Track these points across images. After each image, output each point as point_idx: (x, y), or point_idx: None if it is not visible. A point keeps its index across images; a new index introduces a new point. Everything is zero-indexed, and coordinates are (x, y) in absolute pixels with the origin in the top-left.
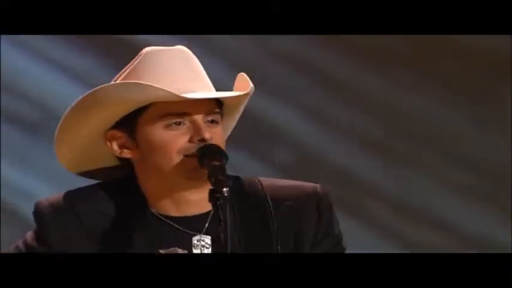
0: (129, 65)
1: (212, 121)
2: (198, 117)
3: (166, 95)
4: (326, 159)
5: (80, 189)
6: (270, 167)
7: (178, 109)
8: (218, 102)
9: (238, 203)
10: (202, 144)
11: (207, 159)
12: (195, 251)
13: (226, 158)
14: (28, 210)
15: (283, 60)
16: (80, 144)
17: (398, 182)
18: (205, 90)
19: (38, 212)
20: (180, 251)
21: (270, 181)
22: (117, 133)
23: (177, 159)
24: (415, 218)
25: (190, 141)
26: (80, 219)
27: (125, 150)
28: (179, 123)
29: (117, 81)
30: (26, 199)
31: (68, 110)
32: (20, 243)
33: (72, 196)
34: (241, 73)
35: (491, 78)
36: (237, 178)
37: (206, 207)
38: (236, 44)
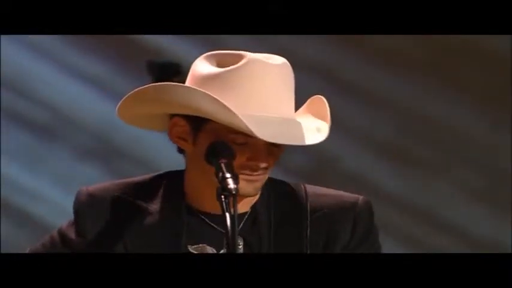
0: (229, 61)
1: (275, 145)
2: (263, 142)
3: (243, 128)
4: (341, 164)
5: (122, 181)
6: (285, 172)
7: (249, 131)
8: None
9: (276, 206)
10: (212, 142)
11: (214, 157)
12: (225, 250)
13: (234, 155)
14: (39, 212)
15: (298, 63)
16: (142, 115)
17: (412, 185)
18: (288, 123)
19: (76, 200)
20: (208, 248)
21: (315, 189)
22: (181, 122)
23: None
24: (429, 221)
25: (247, 160)
26: (115, 211)
27: (181, 141)
28: (244, 144)
29: (207, 91)
30: (37, 201)
31: (143, 88)
32: (55, 231)
33: (112, 187)
34: (319, 97)
35: (506, 81)
36: (282, 182)
37: (243, 208)
38: (247, 44)
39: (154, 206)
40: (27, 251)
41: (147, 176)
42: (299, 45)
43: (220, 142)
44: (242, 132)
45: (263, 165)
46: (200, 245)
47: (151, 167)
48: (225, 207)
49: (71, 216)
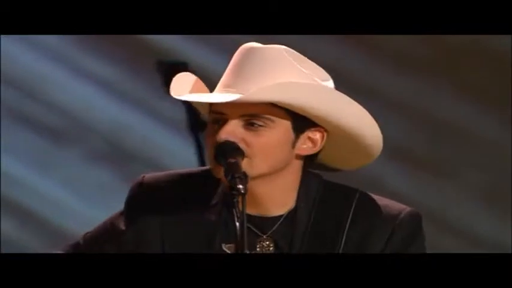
0: None
1: (252, 124)
2: (233, 118)
3: (191, 101)
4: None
5: (174, 172)
6: None
7: (216, 108)
8: (270, 104)
9: (318, 211)
10: (218, 142)
11: (222, 156)
12: (257, 251)
13: (243, 155)
14: (53, 216)
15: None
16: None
17: (420, 187)
18: (242, 90)
19: (130, 189)
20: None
21: (367, 196)
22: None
23: (210, 153)
24: (436, 222)
25: (216, 139)
26: (161, 202)
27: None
28: (217, 121)
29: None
30: (48, 204)
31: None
32: (110, 216)
33: (163, 178)
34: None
35: None
36: (336, 186)
37: (278, 211)
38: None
39: (198, 201)
40: (82, 235)
41: (199, 169)
42: (308, 45)
43: (228, 142)
44: (213, 111)
45: (218, 138)
46: (233, 244)
47: (162, 169)
48: (234, 206)
49: (82, 218)
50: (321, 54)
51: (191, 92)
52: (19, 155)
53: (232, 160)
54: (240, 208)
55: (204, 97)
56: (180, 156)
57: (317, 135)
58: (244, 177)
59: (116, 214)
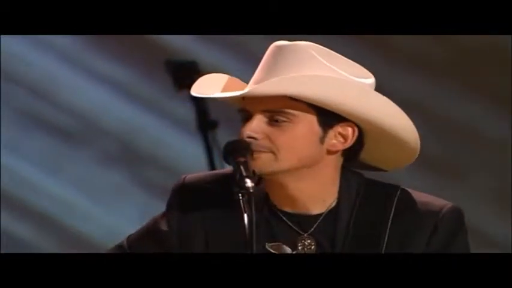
0: None
1: (276, 120)
2: (256, 114)
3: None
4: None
5: (216, 172)
6: None
7: (241, 105)
8: (291, 99)
9: (360, 208)
10: (243, 138)
11: (231, 155)
12: (298, 249)
13: (252, 154)
14: (65, 218)
15: None
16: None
17: (433, 187)
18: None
19: (172, 189)
20: (284, 247)
21: (408, 193)
22: None
23: None
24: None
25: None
26: (203, 202)
27: None
28: (244, 119)
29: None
30: (61, 206)
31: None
32: (152, 219)
33: (206, 178)
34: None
35: None
36: (376, 183)
37: (318, 209)
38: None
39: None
40: (125, 238)
41: None
42: (323, 45)
43: (236, 141)
44: (240, 109)
45: (244, 134)
46: (277, 243)
47: (174, 171)
48: (242, 205)
49: (95, 219)
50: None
51: (223, 90)
52: (32, 156)
53: (241, 159)
54: (248, 208)
55: (219, 94)
56: (193, 158)
57: (348, 131)
58: (253, 176)
59: (159, 215)
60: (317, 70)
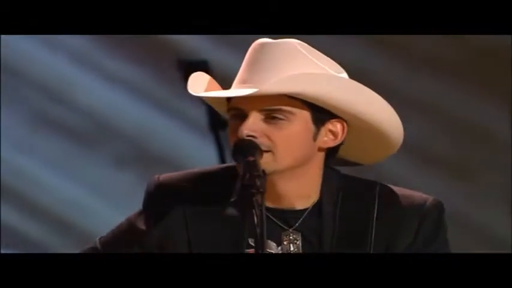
0: None
1: (273, 117)
2: (253, 113)
3: (207, 98)
4: (379, 169)
5: (191, 171)
6: None
7: (235, 104)
8: (288, 96)
9: (343, 203)
10: (240, 137)
11: (240, 154)
12: (284, 244)
13: (261, 153)
14: (78, 220)
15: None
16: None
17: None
18: (258, 83)
19: (146, 190)
20: (270, 242)
21: (388, 188)
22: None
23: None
24: (461, 224)
25: (237, 135)
26: (182, 201)
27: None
28: (237, 117)
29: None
30: (77, 209)
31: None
32: (125, 219)
33: (181, 177)
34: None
35: None
36: (355, 179)
37: (302, 204)
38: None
39: (221, 197)
40: (97, 240)
41: (216, 167)
42: (331, 46)
43: (246, 140)
44: (231, 107)
45: (241, 133)
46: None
47: None
48: (253, 204)
49: (108, 221)
50: (345, 54)
51: (206, 90)
52: (45, 158)
53: (251, 158)
54: (259, 207)
55: (222, 93)
56: (205, 158)
57: (338, 127)
58: (263, 176)
59: (133, 216)
60: (308, 67)
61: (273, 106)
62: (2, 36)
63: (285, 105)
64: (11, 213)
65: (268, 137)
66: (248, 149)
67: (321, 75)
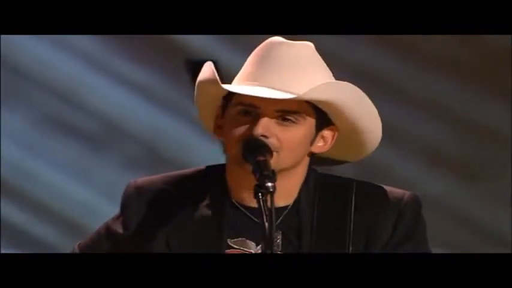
0: None
1: (285, 119)
2: (266, 112)
3: (219, 89)
4: (392, 173)
5: (168, 174)
6: None
7: (247, 100)
8: (305, 101)
9: (320, 199)
10: (246, 138)
11: (251, 154)
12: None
13: (271, 153)
14: (88, 222)
15: (344, 67)
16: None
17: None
18: (275, 83)
19: (124, 193)
20: (248, 242)
21: (364, 184)
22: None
23: (236, 147)
24: (471, 225)
25: (250, 133)
26: (160, 203)
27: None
28: (246, 113)
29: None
30: (87, 211)
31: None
32: (103, 225)
33: (159, 180)
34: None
35: None
36: (330, 176)
37: (285, 201)
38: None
39: (198, 199)
40: (76, 246)
41: (192, 170)
42: (341, 45)
43: (259, 140)
44: (243, 102)
45: (257, 132)
46: (240, 238)
47: None
48: (262, 204)
49: None
50: (355, 54)
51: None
52: (56, 160)
53: (261, 158)
54: (268, 206)
55: (256, 91)
56: (216, 160)
57: (330, 134)
58: (273, 176)
59: (110, 220)
60: (326, 73)
61: (290, 108)
62: (10, 36)
63: (301, 109)
64: (21, 215)
65: (278, 139)
66: (259, 149)
67: (345, 84)
